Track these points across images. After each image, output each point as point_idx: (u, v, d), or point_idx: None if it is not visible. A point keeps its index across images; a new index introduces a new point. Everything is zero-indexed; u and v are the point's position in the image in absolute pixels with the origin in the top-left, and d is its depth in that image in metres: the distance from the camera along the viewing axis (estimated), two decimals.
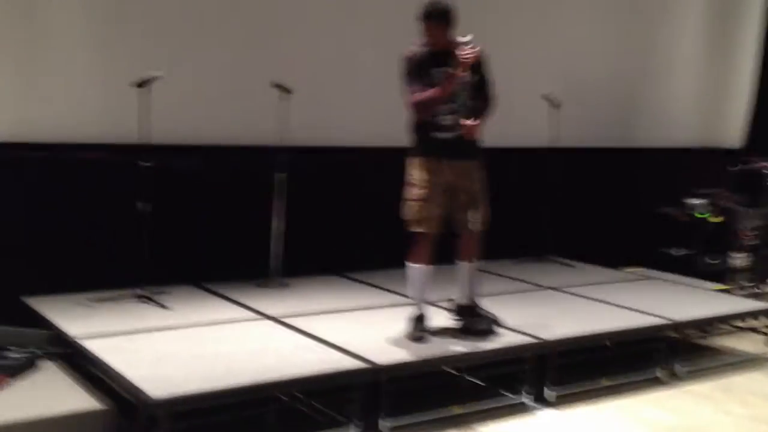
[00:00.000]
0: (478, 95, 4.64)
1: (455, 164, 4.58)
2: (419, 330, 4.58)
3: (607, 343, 5.05)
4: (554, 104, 6.76)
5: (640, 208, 7.77)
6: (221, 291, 5.47)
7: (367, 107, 6.50)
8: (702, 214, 7.13)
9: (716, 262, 7.11)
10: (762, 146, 8.69)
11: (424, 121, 4.56)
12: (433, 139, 4.57)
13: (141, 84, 5.02)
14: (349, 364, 4.14)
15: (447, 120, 4.55)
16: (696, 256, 7.07)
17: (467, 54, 4.40)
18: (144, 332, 4.50)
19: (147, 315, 4.84)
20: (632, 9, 7.99)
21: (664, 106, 8.38)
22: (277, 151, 5.65)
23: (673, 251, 7.21)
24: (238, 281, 5.68)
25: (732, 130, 9.06)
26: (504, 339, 4.65)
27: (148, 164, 5.08)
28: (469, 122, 4.47)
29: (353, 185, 6.41)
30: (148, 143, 5.11)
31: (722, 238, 7.17)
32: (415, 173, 4.61)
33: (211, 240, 5.80)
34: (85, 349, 4.16)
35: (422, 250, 4.61)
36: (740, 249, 7.20)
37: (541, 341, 4.64)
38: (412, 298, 4.72)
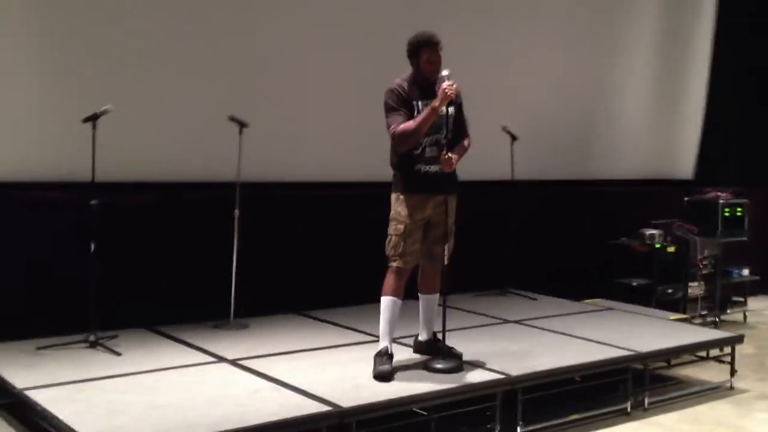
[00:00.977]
0: (458, 129, 4.65)
1: (438, 198, 4.57)
2: (386, 366, 4.45)
3: (576, 378, 4.96)
4: (513, 137, 6.74)
5: (598, 239, 7.78)
6: (175, 334, 5.27)
7: (327, 142, 6.44)
8: (658, 244, 7.15)
9: (673, 291, 7.12)
10: (712, 177, 8.86)
11: (409, 155, 4.52)
12: (417, 172, 4.54)
13: (91, 119, 4.86)
14: (312, 408, 3.97)
15: (431, 152, 4.54)
16: (654, 286, 7.07)
17: (449, 87, 4.39)
18: (95, 381, 4.28)
19: (98, 362, 4.62)
20: (587, 45, 8.08)
21: (618, 139, 8.47)
22: (233, 187, 5.50)
23: (631, 281, 7.20)
24: (193, 323, 5.49)
25: (683, 162, 9.20)
26: (472, 376, 4.53)
27: (97, 202, 4.90)
28: (449, 155, 4.46)
29: (312, 221, 6.30)
30: (99, 180, 4.93)
31: (678, 268, 7.19)
32: (398, 209, 4.57)
33: (163, 280, 5.62)
34: (33, 401, 3.93)
35: (397, 284, 4.57)
36: (696, 278, 7.23)
37: (511, 377, 4.53)
38: (380, 333, 4.61)
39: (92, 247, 4.88)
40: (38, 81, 5.28)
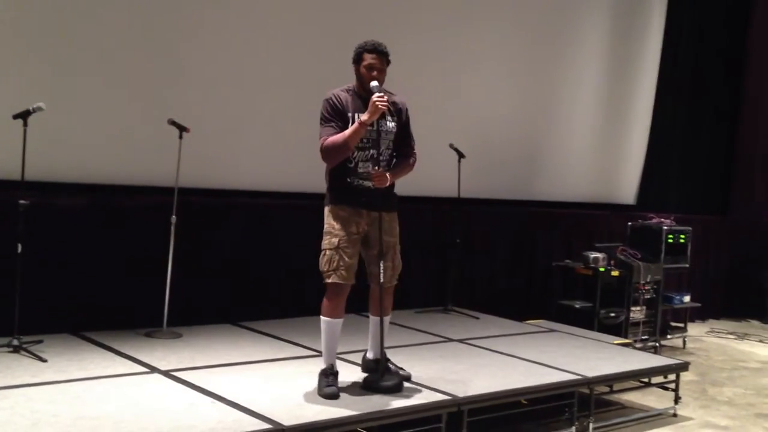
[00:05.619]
0: (401, 146, 4.46)
1: (372, 214, 4.34)
2: (331, 385, 4.26)
3: (522, 400, 4.85)
4: (460, 154, 6.65)
5: (540, 260, 7.76)
6: (104, 341, 5.01)
7: (269, 150, 6.28)
8: (602, 267, 7.14)
9: (615, 315, 7.11)
10: (652, 203, 8.96)
11: (341, 168, 4.31)
12: (349, 186, 4.32)
13: (22, 115, 4.60)
14: (251, 425, 3.75)
15: (364, 167, 4.32)
16: (596, 309, 7.05)
17: (379, 100, 4.16)
18: (19, 388, 4.00)
19: (22, 368, 4.33)
20: (535, 69, 8.09)
21: (564, 162, 8.49)
22: (171, 192, 5.27)
23: (574, 304, 7.17)
24: (122, 330, 5.23)
25: (626, 187, 9.27)
26: (418, 396, 4.37)
27: (26, 202, 4.63)
28: (377, 172, 4.26)
29: (251, 230, 6.09)
30: (29, 179, 4.67)
31: (621, 292, 7.19)
32: (330, 222, 4.34)
33: (92, 285, 5.36)
34: None
35: (335, 303, 4.32)
36: (638, 303, 7.24)
37: (457, 399, 4.39)
38: (323, 352, 4.40)
39: (19, 248, 4.60)
40: None
